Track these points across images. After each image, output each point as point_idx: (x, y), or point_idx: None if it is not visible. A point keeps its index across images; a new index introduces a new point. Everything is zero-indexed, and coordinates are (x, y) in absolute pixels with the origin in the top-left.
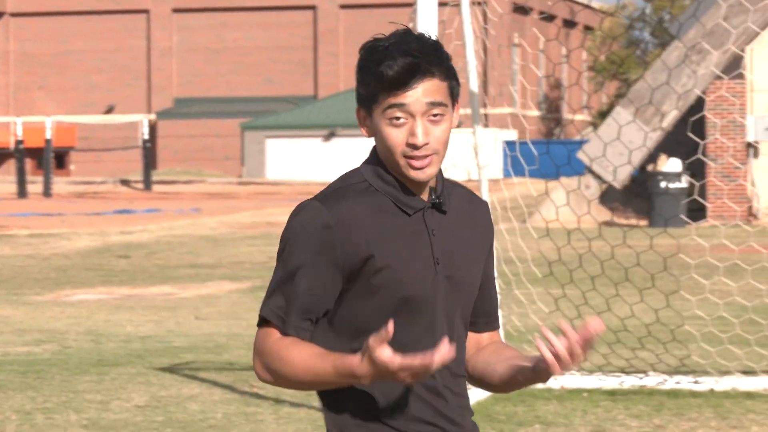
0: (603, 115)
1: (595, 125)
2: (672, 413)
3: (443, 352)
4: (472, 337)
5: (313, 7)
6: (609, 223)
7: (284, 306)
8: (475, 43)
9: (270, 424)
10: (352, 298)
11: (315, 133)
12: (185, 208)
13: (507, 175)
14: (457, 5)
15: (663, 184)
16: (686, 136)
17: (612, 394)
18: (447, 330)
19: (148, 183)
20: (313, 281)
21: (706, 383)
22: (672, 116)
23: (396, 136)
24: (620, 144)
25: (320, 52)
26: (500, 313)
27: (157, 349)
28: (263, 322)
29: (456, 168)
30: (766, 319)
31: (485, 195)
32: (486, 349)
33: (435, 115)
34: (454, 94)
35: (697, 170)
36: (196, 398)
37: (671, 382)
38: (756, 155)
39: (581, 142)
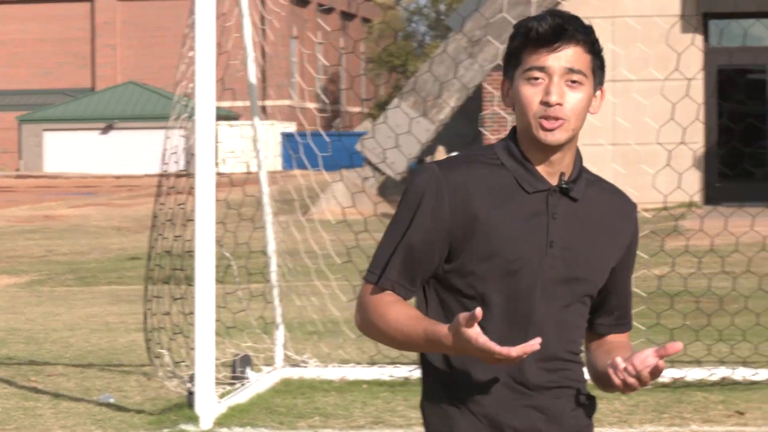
0: (382, 107)
1: (374, 117)
2: None
3: (528, 347)
4: (597, 337)
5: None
6: (388, 215)
7: (385, 261)
8: (255, 35)
9: (49, 418)
10: (461, 264)
11: (93, 125)
12: None
13: (287, 167)
14: None
15: None
16: (464, 127)
17: (392, 385)
18: (547, 313)
19: None
20: (418, 241)
21: None
22: (450, 108)
23: (532, 94)
24: (399, 136)
25: (98, 44)
26: (275, 307)
27: None
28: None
29: (237, 160)
30: None
31: (264, 187)
32: (604, 345)
33: (573, 82)
34: (596, 72)
35: None
36: None
37: None
38: None
39: (360, 135)
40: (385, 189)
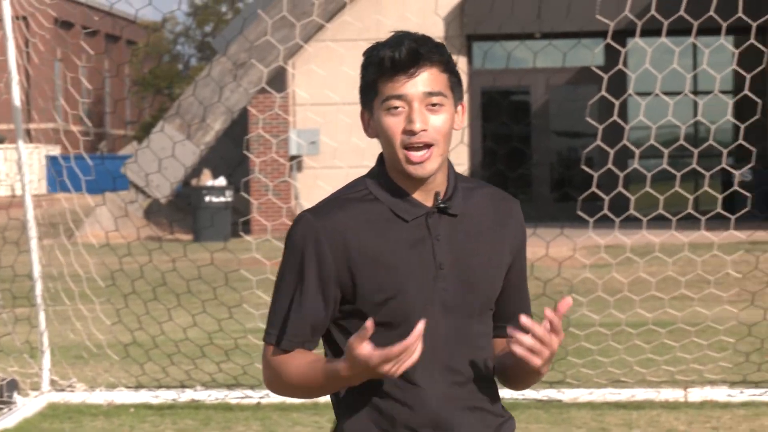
0: (147, 129)
1: (139, 140)
2: (220, 426)
3: (419, 330)
4: (501, 341)
5: None
6: (154, 238)
7: (282, 320)
8: (19, 57)
9: None
10: (355, 306)
11: None
12: None
13: (52, 190)
14: None
15: (207, 199)
16: (230, 151)
17: (159, 408)
18: (452, 336)
19: None
20: (309, 295)
21: (254, 397)
22: (215, 131)
23: (394, 124)
24: (164, 159)
25: None
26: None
27: None
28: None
29: (1, 183)
30: None
31: (29, 211)
32: (508, 346)
33: (434, 105)
34: (454, 90)
35: (242, 184)
36: None
37: (219, 395)
38: (300, 169)
39: (126, 158)
40: (151, 212)
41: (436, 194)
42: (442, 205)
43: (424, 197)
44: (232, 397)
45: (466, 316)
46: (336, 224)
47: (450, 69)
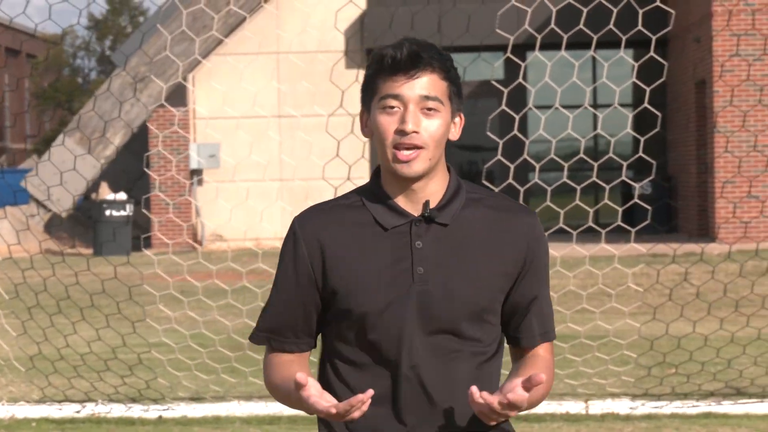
0: (47, 143)
1: (40, 154)
2: None
3: (355, 400)
4: (514, 350)
5: None
6: (56, 252)
7: (269, 324)
8: None
9: None
10: (334, 311)
11: None
12: None
13: None
14: None
15: (108, 213)
16: (131, 165)
17: (60, 423)
18: (429, 341)
19: None
20: (290, 296)
21: (155, 411)
22: (116, 145)
23: (388, 123)
24: (64, 173)
25: None
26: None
27: None
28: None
29: None
30: (204, 346)
31: None
32: (518, 362)
33: (429, 109)
34: (452, 98)
35: (143, 200)
36: None
37: (121, 410)
38: (200, 183)
39: (26, 171)
40: (52, 226)
41: (426, 203)
42: (426, 214)
43: (412, 206)
44: (134, 411)
45: (449, 325)
46: (314, 228)
47: (451, 78)
